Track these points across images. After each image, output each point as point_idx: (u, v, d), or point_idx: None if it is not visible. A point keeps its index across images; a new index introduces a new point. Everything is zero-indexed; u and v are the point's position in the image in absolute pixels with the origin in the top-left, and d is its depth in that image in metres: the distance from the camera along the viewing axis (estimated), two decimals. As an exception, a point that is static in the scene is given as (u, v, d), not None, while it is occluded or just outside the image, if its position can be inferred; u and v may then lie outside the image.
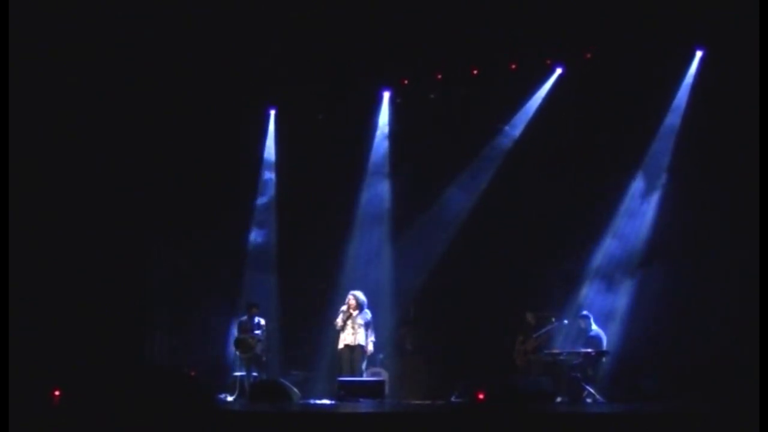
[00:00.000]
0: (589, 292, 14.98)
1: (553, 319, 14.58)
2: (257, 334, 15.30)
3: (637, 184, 15.04)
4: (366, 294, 14.45)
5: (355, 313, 14.19)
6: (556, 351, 14.19)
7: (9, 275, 11.87)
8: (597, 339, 14.03)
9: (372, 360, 14.77)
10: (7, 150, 12.37)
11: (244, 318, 15.63)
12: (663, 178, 14.83)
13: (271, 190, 17.50)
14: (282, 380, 14.15)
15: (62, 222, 15.61)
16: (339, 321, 14.25)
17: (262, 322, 15.47)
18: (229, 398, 14.91)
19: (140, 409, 8.85)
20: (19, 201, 14.03)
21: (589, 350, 13.80)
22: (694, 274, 14.01)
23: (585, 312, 14.40)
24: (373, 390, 13.43)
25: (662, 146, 14.84)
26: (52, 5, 14.18)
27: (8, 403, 9.21)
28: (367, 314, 14.28)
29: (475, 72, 15.82)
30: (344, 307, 14.29)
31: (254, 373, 15.24)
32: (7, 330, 11.44)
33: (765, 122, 10.64)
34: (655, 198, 14.88)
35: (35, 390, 12.14)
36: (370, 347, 14.25)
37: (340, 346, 14.26)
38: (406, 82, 16.53)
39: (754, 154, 10.73)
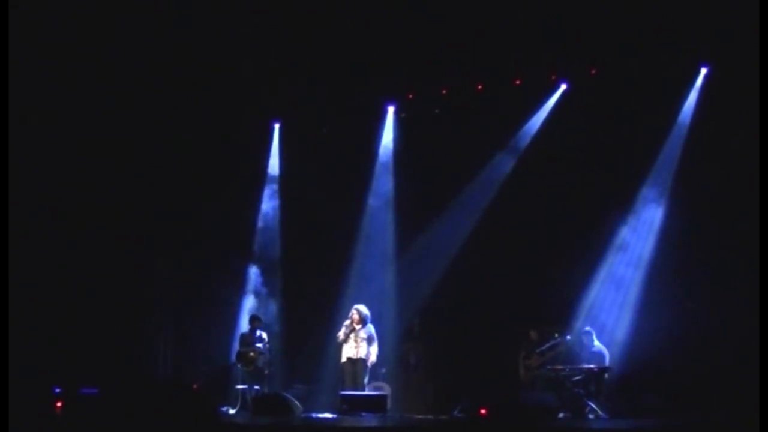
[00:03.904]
0: (592, 307, 14.95)
1: (557, 335, 14.54)
2: (259, 347, 15.29)
3: (643, 199, 15.02)
4: (370, 308, 14.44)
5: (358, 327, 14.17)
6: (558, 366, 14.15)
7: (13, 282, 11.91)
8: (599, 355, 14.01)
9: (375, 374, 14.75)
10: (6, 165, 12.39)
11: (247, 331, 15.64)
12: (668, 192, 14.81)
13: (275, 203, 17.51)
14: (284, 393, 14.14)
15: (66, 233, 15.63)
16: (341, 334, 14.23)
17: (265, 335, 15.46)
18: (231, 411, 14.89)
19: (143, 421, 8.85)
20: (26, 208, 14.11)
21: (592, 366, 13.77)
22: (699, 288, 13.98)
23: (588, 328, 14.38)
24: (375, 404, 13.40)
25: (667, 161, 14.83)
26: (50, 18, 14.25)
27: (8, 411, 9.20)
28: (370, 328, 14.26)
29: (480, 87, 15.84)
30: (347, 322, 14.27)
31: (256, 386, 15.22)
32: (7, 338, 11.44)
33: (766, 135, 10.66)
34: (660, 212, 14.86)
35: (37, 399, 12.14)
36: (373, 357, 14.20)
37: (343, 359, 14.24)
38: (411, 96, 16.56)
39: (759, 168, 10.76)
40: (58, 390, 13.61)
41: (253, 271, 17.26)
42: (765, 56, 10.90)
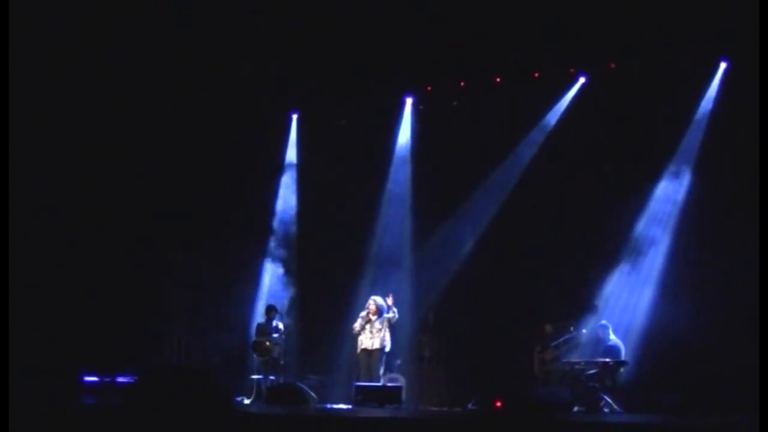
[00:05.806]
0: (608, 301, 14.92)
1: (572, 329, 14.53)
2: (275, 338, 15.33)
3: (660, 194, 14.97)
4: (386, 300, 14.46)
5: (374, 318, 14.21)
6: (573, 360, 14.15)
7: (33, 275, 11.98)
8: (615, 349, 13.98)
9: (389, 366, 14.77)
10: (6, 160, 12.45)
11: (263, 321, 15.68)
12: (686, 187, 14.75)
13: (292, 195, 17.55)
14: (299, 384, 14.19)
15: (84, 223, 15.70)
16: (356, 326, 14.29)
17: (281, 325, 15.51)
18: (246, 401, 14.94)
19: (157, 408, 8.87)
20: (45, 203, 14.20)
21: (607, 360, 13.75)
22: (716, 285, 13.91)
23: (604, 321, 14.35)
24: (390, 396, 13.43)
25: (685, 156, 14.79)
26: (51, 18, 14.26)
27: (8, 403, 9.24)
28: (388, 316, 14.24)
29: (499, 80, 15.82)
30: (363, 313, 14.32)
31: (271, 377, 15.27)
32: (7, 329, 11.50)
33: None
34: (677, 208, 14.81)
35: (55, 388, 12.22)
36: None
37: (358, 350, 14.30)
38: (429, 88, 16.56)
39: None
40: (87, 378, 13.80)
41: (270, 260, 17.32)
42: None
